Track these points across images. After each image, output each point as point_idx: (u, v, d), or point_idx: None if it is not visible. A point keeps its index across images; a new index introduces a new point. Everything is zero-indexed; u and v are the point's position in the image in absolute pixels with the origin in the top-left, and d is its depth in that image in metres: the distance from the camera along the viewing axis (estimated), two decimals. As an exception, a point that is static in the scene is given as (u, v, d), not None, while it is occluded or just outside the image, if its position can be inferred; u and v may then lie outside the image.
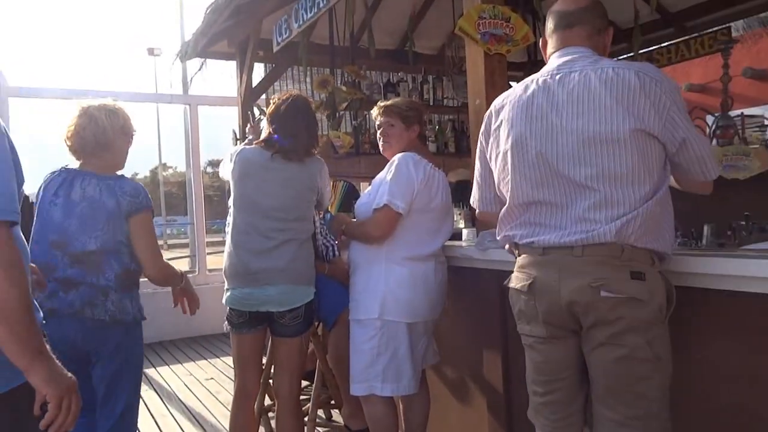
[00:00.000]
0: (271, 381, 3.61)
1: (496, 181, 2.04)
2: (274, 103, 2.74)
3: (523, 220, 1.93)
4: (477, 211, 2.25)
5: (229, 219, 3.51)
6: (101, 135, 2.36)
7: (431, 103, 5.21)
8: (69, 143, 2.40)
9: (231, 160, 2.74)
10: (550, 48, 1.98)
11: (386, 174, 2.63)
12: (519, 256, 1.97)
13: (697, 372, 1.98)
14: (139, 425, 4.03)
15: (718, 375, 1.95)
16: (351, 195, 4.63)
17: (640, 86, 1.73)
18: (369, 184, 6.09)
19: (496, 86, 2.65)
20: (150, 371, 5.36)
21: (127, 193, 2.38)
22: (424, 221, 2.65)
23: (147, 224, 2.42)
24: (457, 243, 2.94)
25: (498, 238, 2.09)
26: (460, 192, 3.14)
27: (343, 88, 4.76)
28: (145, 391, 4.83)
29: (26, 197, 4.86)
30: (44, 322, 1.56)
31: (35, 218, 2.40)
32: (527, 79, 1.95)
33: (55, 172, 2.45)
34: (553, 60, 1.93)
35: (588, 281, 1.76)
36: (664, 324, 1.80)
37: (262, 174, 2.66)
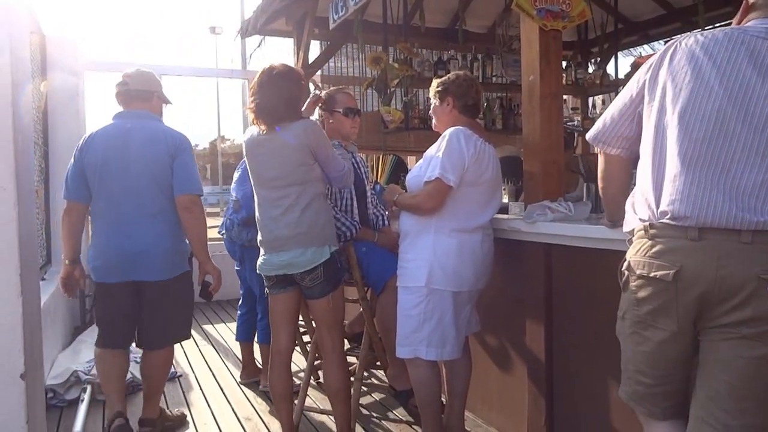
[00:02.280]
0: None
1: (646, 126, 1.76)
2: (252, 80, 2.73)
3: (674, 183, 1.62)
4: (589, 138, 1.95)
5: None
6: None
7: (480, 81, 5.09)
8: None
9: None
10: (757, 14, 1.69)
11: (438, 148, 2.57)
12: (652, 239, 1.66)
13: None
14: (198, 375, 4.14)
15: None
16: (399, 168, 4.60)
17: None
18: (416, 159, 6.04)
19: (550, 62, 2.56)
20: (208, 327, 5.47)
21: None
22: (473, 194, 2.59)
23: None
24: (504, 216, 2.88)
25: (629, 213, 1.78)
26: (507, 168, 3.07)
27: (396, 65, 4.68)
28: (204, 346, 4.93)
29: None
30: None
31: None
32: (726, 29, 1.67)
33: None
34: (761, 24, 1.65)
35: (756, 271, 1.49)
36: None
37: (257, 149, 2.68)
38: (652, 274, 1.63)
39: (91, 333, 4.71)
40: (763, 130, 1.53)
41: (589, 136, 1.95)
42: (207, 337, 5.22)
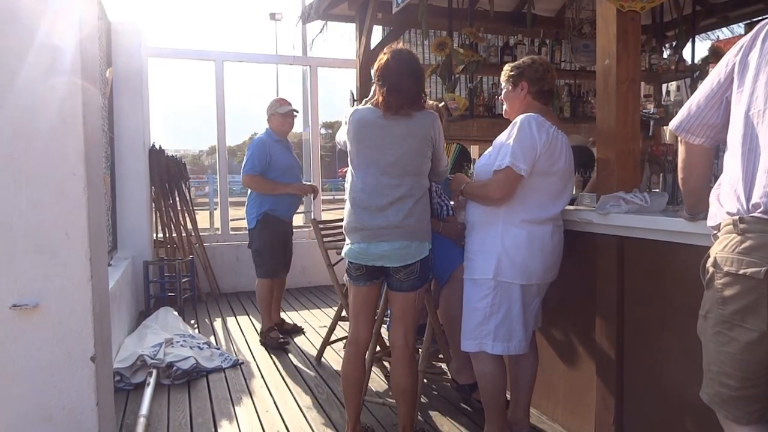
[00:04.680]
0: (383, 332, 3.65)
1: (735, 113, 1.68)
2: (377, 60, 2.65)
3: (767, 175, 1.55)
4: (671, 129, 1.88)
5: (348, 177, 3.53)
6: None
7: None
8: None
9: (346, 122, 2.68)
10: None
11: (508, 135, 2.51)
12: (742, 235, 1.59)
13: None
14: (259, 363, 4.21)
15: None
16: (463, 157, 4.53)
17: None
18: (479, 148, 5.94)
19: (628, 46, 2.45)
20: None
21: None
22: (545, 184, 2.52)
23: None
24: (573, 207, 2.80)
25: (714, 206, 1.72)
26: (575, 158, 2.98)
27: (461, 51, 4.62)
28: (264, 334, 5.01)
29: (161, 149, 5.28)
30: None
31: None
32: None
33: None
34: None
35: None
36: None
37: (376, 132, 2.58)
38: (741, 272, 1.56)
39: (155, 319, 4.87)
40: None
41: (672, 124, 1.87)
42: (267, 324, 5.30)
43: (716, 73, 1.75)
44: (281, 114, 4.71)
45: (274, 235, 4.66)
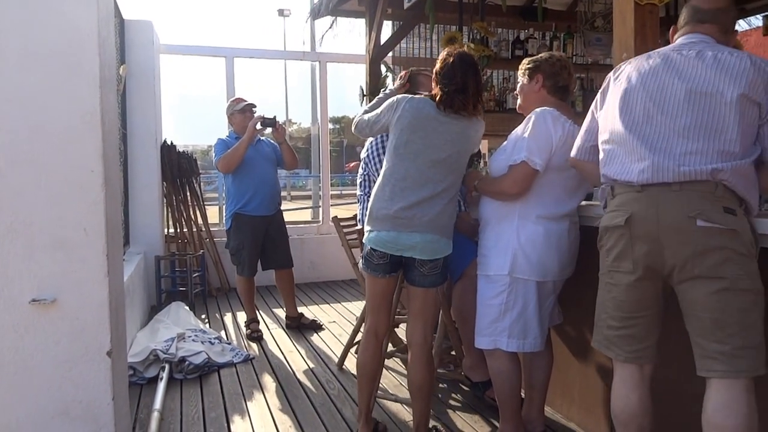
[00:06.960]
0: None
1: (600, 131, 2.13)
2: (441, 60, 2.66)
3: (624, 157, 1.97)
4: (571, 157, 2.32)
5: (363, 169, 3.51)
6: None
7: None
8: None
9: (395, 108, 2.65)
10: (677, 36, 2.08)
11: (523, 129, 2.50)
12: (614, 197, 2.01)
13: None
14: (270, 358, 4.22)
15: None
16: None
17: (751, 64, 1.84)
18: (488, 143, 5.92)
19: (646, 39, 2.43)
20: (279, 311, 5.56)
21: None
22: (561, 180, 2.50)
23: None
24: (588, 202, 2.78)
25: (602, 184, 2.11)
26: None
27: (471, 45, 4.60)
28: (275, 329, 5.02)
29: (173, 145, 5.28)
30: None
31: None
32: (652, 52, 2.07)
33: None
34: (677, 41, 2.06)
35: (686, 212, 1.82)
36: (755, 260, 1.84)
37: (434, 126, 2.59)
38: (611, 224, 1.98)
39: (167, 314, 4.90)
40: (680, 114, 1.90)
41: (572, 152, 2.33)
42: (278, 320, 5.31)
43: (590, 113, 2.23)
44: (239, 111, 4.81)
45: (247, 234, 4.70)
